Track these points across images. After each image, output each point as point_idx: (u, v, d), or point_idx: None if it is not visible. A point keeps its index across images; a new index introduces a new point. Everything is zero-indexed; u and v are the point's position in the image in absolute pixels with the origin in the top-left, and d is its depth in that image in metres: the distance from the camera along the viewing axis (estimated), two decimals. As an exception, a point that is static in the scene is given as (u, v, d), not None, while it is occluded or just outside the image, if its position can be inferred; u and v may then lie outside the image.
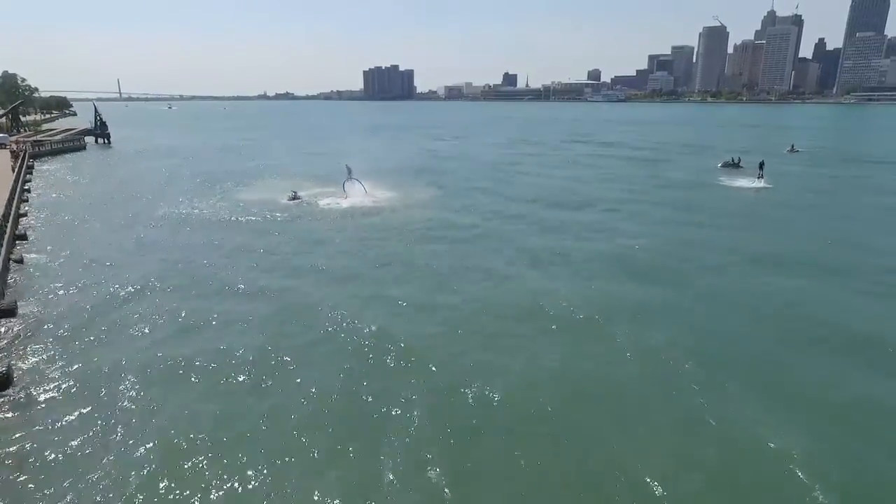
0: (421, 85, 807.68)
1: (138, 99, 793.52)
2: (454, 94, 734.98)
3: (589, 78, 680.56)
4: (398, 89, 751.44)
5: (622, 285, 25.75)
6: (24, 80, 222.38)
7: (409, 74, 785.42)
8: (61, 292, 24.95)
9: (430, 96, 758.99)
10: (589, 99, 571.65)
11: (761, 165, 56.25)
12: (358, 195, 46.35)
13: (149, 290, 25.31)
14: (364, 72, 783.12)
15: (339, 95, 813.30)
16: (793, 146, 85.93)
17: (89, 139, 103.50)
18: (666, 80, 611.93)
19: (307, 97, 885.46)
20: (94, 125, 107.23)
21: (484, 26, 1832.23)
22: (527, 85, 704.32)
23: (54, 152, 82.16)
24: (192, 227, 37.52)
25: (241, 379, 17.49)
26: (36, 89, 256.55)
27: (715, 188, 53.84)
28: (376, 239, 34.18)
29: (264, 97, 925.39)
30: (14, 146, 68.93)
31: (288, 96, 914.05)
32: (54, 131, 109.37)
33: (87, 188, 54.20)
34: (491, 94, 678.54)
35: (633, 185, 54.81)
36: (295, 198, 46.01)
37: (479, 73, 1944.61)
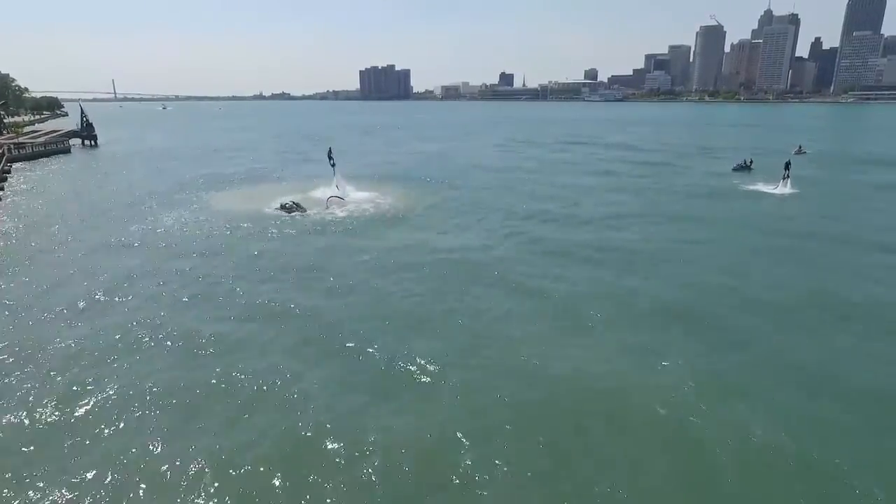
0: (417, 85, 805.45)
1: (133, 99, 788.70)
2: (451, 93, 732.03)
3: (586, 77, 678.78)
4: (394, 89, 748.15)
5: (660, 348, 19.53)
6: (13, 80, 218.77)
7: (406, 74, 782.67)
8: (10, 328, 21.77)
9: (427, 96, 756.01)
10: (586, 98, 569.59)
11: (787, 166, 51.40)
12: (336, 196, 43.86)
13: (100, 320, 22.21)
14: (360, 72, 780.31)
15: (336, 95, 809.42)
16: (800, 147, 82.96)
17: (75, 141, 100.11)
18: (663, 79, 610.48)
19: (303, 97, 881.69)
20: (79, 127, 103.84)
21: (481, 26, 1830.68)
22: (524, 85, 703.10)
23: (36, 156, 78.73)
24: (169, 247, 34.25)
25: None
26: (26, 89, 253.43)
27: (737, 196, 49.31)
28: (334, 268, 31.06)
29: (260, 97, 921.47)
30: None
31: (284, 96, 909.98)
32: (38, 133, 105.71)
33: (62, 196, 50.72)
34: (488, 93, 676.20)
35: (644, 193, 50.32)
36: (291, 209, 41.39)
37: (475, 72, 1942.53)
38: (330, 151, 48.43)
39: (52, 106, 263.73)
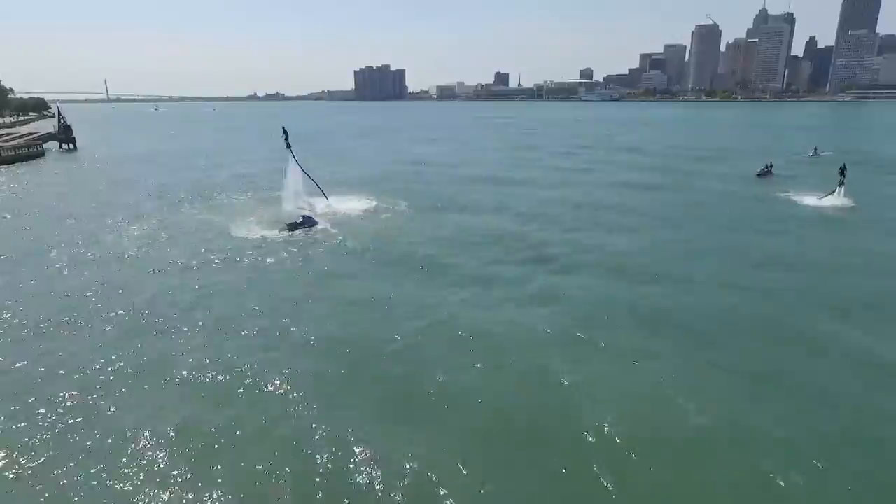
0: (412, 85, 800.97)
1: (126, 100, 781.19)
2: (446, 93, 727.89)
3: (581, 77, 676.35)
4: (389, 89, 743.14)
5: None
6: None
7: (401, 74, 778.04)
8: None
9: (422, 96, 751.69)
10: (583, 98, 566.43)
11: (843, 171, 43.54)
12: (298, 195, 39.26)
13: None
14: (355, 72, 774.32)
15: (330, 96, 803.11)
16: (815, 149, 78.55)
17: (53, 144, 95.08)
18: (659, 78, 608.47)
19: (297, 98, 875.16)
20: (57, 129, 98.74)
21: (476, 25, 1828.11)
22: (519, 84, 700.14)
23: (4, 161, 73.50)
24: (123, 264, 29.42)
25: None
26: (11, 90, 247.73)
27: (779, 206, 43.84)
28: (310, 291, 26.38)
29: (254, 98, 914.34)
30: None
31: (278, 97, 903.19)
32: (11, 136, 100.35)
33: (17, 207, 45.82)
34: (483, 93, 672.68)
35: (667, 204, 44.48)
36: (300, 225, 35.98)
37: (471, 72, 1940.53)
38: (285, 134, 42.71)
39: (38, 107, 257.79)
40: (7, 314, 22.67)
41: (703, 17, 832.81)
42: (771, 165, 60.45)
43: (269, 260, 29.78)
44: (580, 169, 66.04)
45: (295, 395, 16.52)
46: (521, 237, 33.70)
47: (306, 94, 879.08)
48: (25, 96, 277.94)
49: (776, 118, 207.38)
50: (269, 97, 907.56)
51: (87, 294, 24.87)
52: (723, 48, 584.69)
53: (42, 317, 22.29)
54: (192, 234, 35.70)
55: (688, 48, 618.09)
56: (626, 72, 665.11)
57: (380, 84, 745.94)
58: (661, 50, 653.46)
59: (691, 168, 66.77)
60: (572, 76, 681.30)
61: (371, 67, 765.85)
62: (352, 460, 13.60)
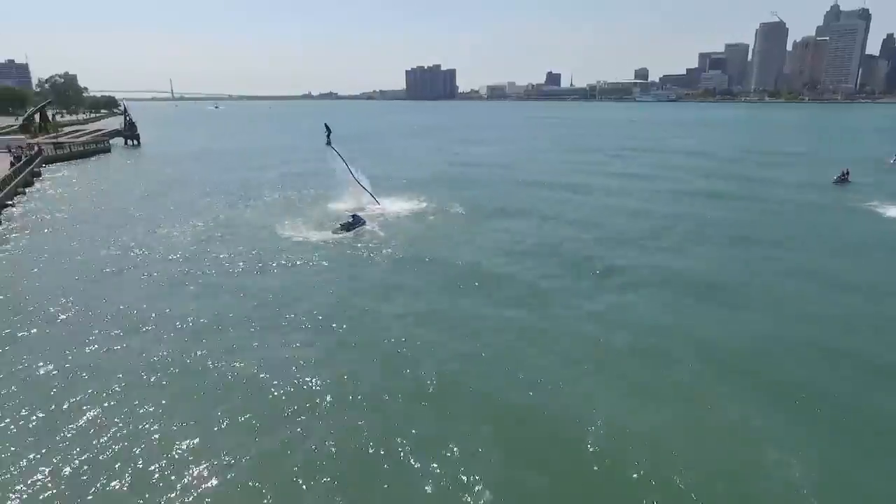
0: (463, 84, 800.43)
1: (190, 98, 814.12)
2: (497, 93, 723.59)
3: (636, 77, 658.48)
4: (440, 89, 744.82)
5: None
6: (66, 78, 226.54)
7: (451, 74, 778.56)
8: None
9: (472, 96, 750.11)
10: (637, 99, 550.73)
11: None
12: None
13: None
14: (406, 72, 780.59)
15: (382, 95, 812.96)
16: (896, 157, 72.40)
17: (119, 140, 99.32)
18: (720, 78, 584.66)
19: (350, 97, 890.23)
20: (123, 126, 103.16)
21: (527, 24, 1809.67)
22: (571, 84, 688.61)
23: (74, 156, 77.18)
24: (189, 274, 29.50)
25: None
26: (85, 89, 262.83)
27: (861, 218, 39.88)
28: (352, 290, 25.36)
29: (309, 97, 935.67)
30: (13, 151, 63.48)
31: (332, 96, 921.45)
32: (81, 132, 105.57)
33: (83, 202, 47.49)
34: (534, 93, 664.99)
35: (735, 215, 40.98)
36: (351, 226, 35.35)
37: (521, 72, 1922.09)
38: (328, 131, 42.26)
39: (109, 104, 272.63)
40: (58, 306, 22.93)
41: (767, 15, 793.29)
42: (848, 172, 55.91)
43: (319, 262, 29.22)
44: (636, 174, 62.90)
45: (349, 406, 15.65)
46: (576, 249, 31.74)
47: (358, 94, 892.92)
48: (98, 94, 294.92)
49: (849, 120, 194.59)
50: (322, 96, 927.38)
51: (138, 295, 24.89)
52: (789, 47, 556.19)
53: (93, 314, 22.42)
54: (243, 233, 35.73)
55: (751, 47, 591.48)
56: (684, 72, 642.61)
57: (430, 84, 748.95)
58: (721, 49, 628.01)
59: (760, 174, 62.54)
60: (626, 76, 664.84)
61: (422, 67, 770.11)
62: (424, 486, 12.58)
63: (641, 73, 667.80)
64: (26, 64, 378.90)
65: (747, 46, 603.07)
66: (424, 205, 43.66)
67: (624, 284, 25.62)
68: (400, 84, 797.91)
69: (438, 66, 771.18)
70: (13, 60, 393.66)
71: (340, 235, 34.20)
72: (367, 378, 17.43)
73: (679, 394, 16.58)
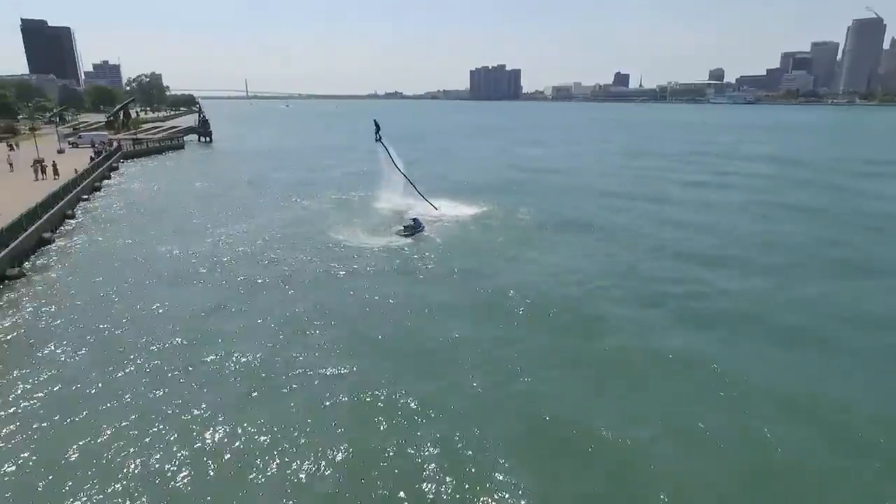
0: (527, 85, 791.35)
1: (262, 97, 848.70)
2: (562, 94, 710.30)
3: (710, 78, 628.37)
4: (504, 89, 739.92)
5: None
6: (151, 78, 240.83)
7: (516, 74, 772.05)
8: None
9: (537, 96, 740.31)
10: (711, 100, 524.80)
11: None
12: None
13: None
14: (471, 72, 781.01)
15: (445, 95, 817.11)
16: None
17: (193, 137, 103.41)
18: (804, 79, 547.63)
19: (414, 97, 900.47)
20: (197, 123, 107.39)
21: (594, 24, 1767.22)
22: (640, 85, 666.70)
23: (150, 151, 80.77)
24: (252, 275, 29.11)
25: None
26: (167, 87, 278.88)
27: None
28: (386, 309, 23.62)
29: (375, 96, 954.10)
30: (96, 147, 66.81)
31: (396, 95, 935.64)
32: (158, 129, 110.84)
33: (150, 198, 48.90)
34: (601, 94, 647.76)
35: (833, 236, 36.15)
36: (413, 230, 34.52)
37: (588, 72, 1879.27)
38: (377, 127, 41.15)
39: (188, 103, 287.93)
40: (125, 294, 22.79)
41: (860, 12, 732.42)
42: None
43: (376, 271, 28.17)
44: (714, 183, 58.00)
45: (416, 420, 14.13)
46: (650, 270, 28.72)
47: (423, 94, 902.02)
48: (179, 93, 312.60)
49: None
50: (388, 96, 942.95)
51: (189, 298, 24.50)
52: (886, 45, 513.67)
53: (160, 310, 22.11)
54: (301, 234, 35.28)
55: (841, 46, 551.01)
56: (764, 72, 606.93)
57: (494, 84, 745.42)
58: (807, 48, 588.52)
59: (857, 185, 56.40)
60: (701, 77, 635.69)
61: (486, 67, 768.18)
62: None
63: (716, 74, 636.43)
64: (118, 65, 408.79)
65: (836, 45, 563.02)
66: (485, 209, 41.94)
67: (701, 319, 22.18)
68: (464, 84, 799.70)
69: (503, 67, 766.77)
70: (107, 62, 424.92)
71: (401, 240, 33.23)
72: (420, 404, 15.83)
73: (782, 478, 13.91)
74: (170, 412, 15.58)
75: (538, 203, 45.12)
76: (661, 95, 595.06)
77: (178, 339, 20.13)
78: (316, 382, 17.16)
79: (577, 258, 30.58)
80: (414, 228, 34.67)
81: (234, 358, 18.62)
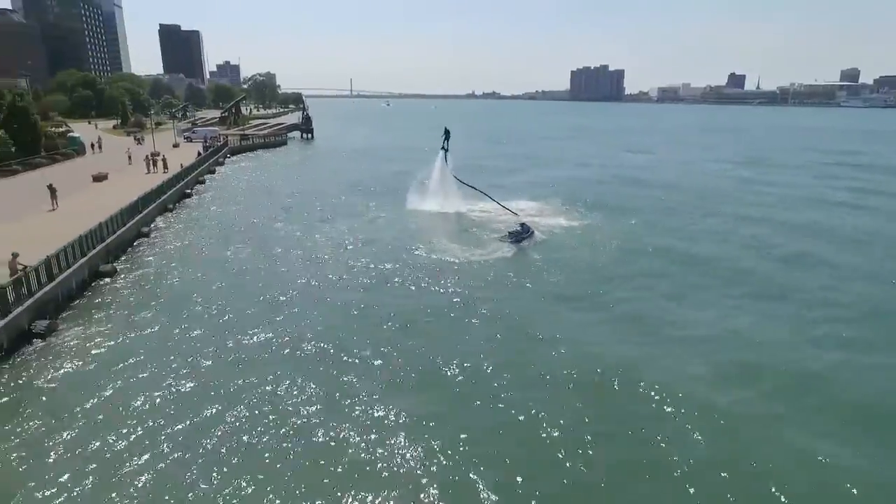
0: (631, 86, 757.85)
1: (365, 96, 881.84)
2: (668, 95, 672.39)
3: (843, 78, 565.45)
4: (606, 90, 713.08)
5: None
6: (265, 77, 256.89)
7: (619, 75, 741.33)
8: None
9: (641, 98, 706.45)
10: (843, 104, 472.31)
11: None
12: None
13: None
14: (572, 72, 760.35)
15: (544, 95, 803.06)
16: None
17: (295, 134, 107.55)
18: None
19: (512, 97, 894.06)
20: (301, 120, 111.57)
21: (707, 21, 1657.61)
22: (758, 87, 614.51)
23: (256, 147, 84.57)
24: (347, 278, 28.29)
25: None
26: (279, 86, 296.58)
27: None
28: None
29: (472, 96, 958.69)
30: (206, 143, 70.61)
31: (494, 95, 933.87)
32: (265, 126, 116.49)
33: (249, 192, 50.36)
34: (712, 96, 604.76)
35: None
36: (519, 236, 32.73)
37: (699, 73, 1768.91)
38: (446, 135, 39.09)
39: (296, 101, 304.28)
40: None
41: None
42: None
43: (490, 275, 26.95)
44: (851, 204, 49.13)
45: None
46: (782, 294, 24.48)
47: (521, 94, 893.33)
48: (289, 91, 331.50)
49: None
50: (485, 95, 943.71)
51: (273, 303, 23.73)
52: None
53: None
54: (405, 234, 34.79)
55: None
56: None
57: (596, 85, 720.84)
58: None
59: None
60: (831, 77, 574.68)
61: (588, 68, 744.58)
62: None
63: (850, 74, 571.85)
64: (238, 65, 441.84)
65: None
66: (587, 222, 38.83)
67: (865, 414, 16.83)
68: (563, 84, 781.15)
69: (606, 67, 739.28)
70: (229, 62, 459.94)
71: (506, 245, 31.87)
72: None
73: None
74: (257, 412, 15.27)
75: (642, 216, 41.01)
76: (781, 98, 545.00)
77: (257, 341, 19.80)
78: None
79: (692, 271, 26.75)
80: (521, 234, 32.81)
81: (319, 371, 17.39)
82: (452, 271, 27.62)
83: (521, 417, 15.35)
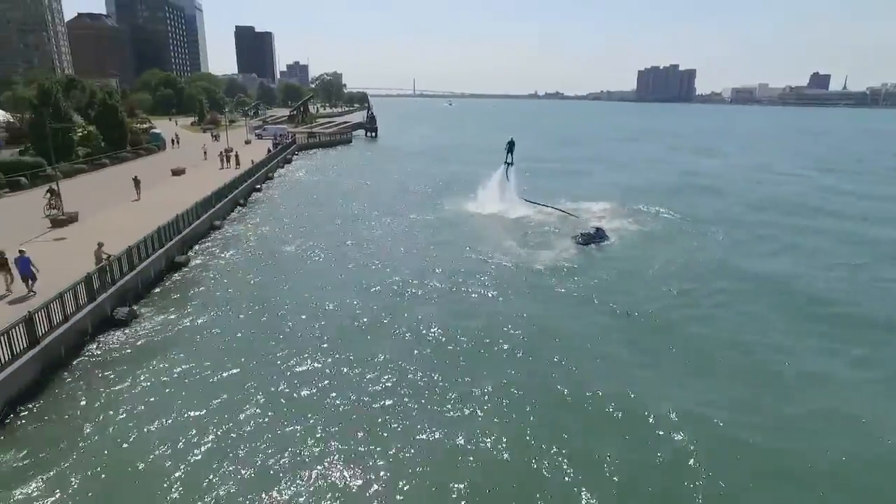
0: (703, 86, 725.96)
1: (428, 96, 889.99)
2: (743, 96, 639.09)
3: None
4: (675, 90, 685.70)
5: None
6: (333, 76, 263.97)
7: (690, 75, 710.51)
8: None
9: (712, 98, 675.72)
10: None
11: None
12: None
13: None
14: (639, 71, 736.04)
15: (609, 96, 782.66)
16: None
17: (360, 133, 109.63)
18: None
19: (576, 97, 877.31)
20: (365, 119, 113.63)
21: (786, 18, 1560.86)
22: (844, 87, 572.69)
23: (321, 145, 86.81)
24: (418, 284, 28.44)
25: None
26: (345, 85, 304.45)
27: None
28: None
29: (534, 96, 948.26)
30: (276, 141, 73.00)
31: (557, 96, 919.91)
32: (331, 124, 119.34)
33: (315, 188, 51.62)
34: (791, 97, 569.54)
35: None
36: (591, 238, 32.25)
37: (777, 73, 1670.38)
38: (510, 147, 37.21)
39: (361, 100, 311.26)
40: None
41: None
42: None
43: (565, 280, 26.33)
44: None
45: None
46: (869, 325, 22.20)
47: (584, 94, 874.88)
48: (354, 91, 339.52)
49: None
50: (548, 96, 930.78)
51: (352, 301, 24.00)
52: None
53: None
54: (472, 235, 34.63)
55: None
56: None
57: (664, 85, 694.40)
58: None
59: None
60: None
61: (657, 67, 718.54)
62: None
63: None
64: (307, 65, 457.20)
65: None
66: (658, 227, 37.31)
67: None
68: (628, 85, 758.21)
69: (675, 67, 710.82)
70: (298, 62, 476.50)
71: (579, 246, 31.51)
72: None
73: None
74: (313, 415, 14.73)
75: (717, 228, 38.53)
76: (871, 99, 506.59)
77: (324, 332, 20.19)
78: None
79: (779, 293, 24.87)
80: (593, 237, 32.32)
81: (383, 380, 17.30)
82: (525, 276, 27.13)
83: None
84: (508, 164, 37.86)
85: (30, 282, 19.50)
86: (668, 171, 68.70)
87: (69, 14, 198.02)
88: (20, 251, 19.69)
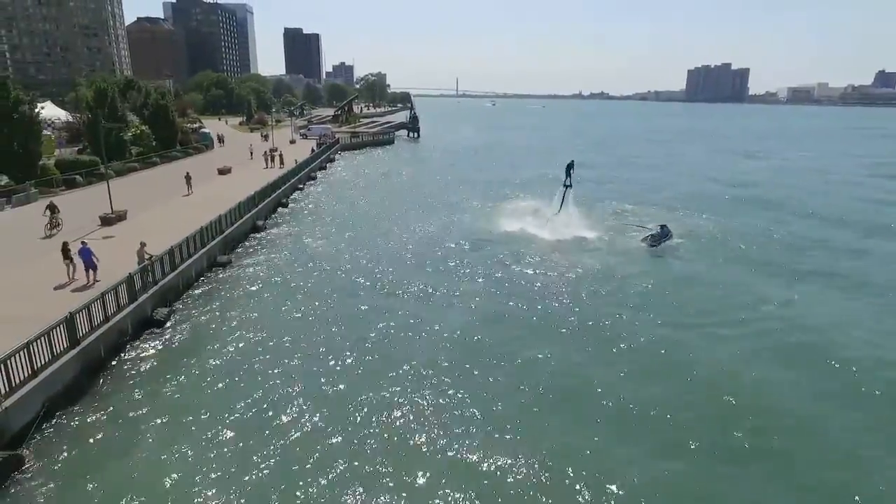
0: (757, 86, 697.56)
1: (471, 96, 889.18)
2: (800, 96, 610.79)
3: None
4: (726, 90, 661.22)
5: None
6: (377, 77, 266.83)
7: (743, 74, 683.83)
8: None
9: (767, 99, 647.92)
10: None
11: None
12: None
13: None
14: (689, 71, 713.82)
15: (656, 96, 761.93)
16: None
17: (402, 133, 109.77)
18: None
19: (621, 97, 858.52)
20: (408, 119, 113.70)
21: (848, 13, 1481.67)
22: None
23: (364, 145, 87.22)
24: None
25: None
26: (388, 86, 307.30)
27: None
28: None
29: (579, 97, 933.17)
30: (319, 140, 73.65)
31: (602, 96, 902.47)
32: (374, 124, 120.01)
33: (357, 189, 51.64)
34: (854, 97, 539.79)
35: None
36: (657, 239, 31.31)
37: (838, 71, 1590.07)
38: (569, 169, 35.09)
39: (404, 100, 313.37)
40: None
41: None
42: None
43: (636, 283, 25.76)
44: None
45: None
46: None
47: (631, 94, 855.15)
48: (398, 91, 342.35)
49: None
50: (593, 96, 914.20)
51: (392, 304, 23.50)
52: None
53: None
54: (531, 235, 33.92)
55: None
56: None
57: (715, 84, 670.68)
58: None
59: None
60: None
61: (708, 66, 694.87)
62: None
63: None
64: (352, 66, 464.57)
65: None
66: (716, 234, 35.46)
67: None
68: (677, 84, 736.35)
69: (728, 65, 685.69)
70: (344, 63, 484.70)
71: (647, 247, 31.03)
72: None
73: None
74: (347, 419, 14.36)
75: (776, 231, 36.42)
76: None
77: (363, 345, 19.54)
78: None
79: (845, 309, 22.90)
80: (660, 237, 31.32)
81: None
82: (589, 277, 26.53)
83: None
84: (567, 186, 35.51)
85: (90, 272, 20.64)
86: (721, 174, 65.60)
87: (129, 18, 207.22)
88: (82, 242, 21.21)
